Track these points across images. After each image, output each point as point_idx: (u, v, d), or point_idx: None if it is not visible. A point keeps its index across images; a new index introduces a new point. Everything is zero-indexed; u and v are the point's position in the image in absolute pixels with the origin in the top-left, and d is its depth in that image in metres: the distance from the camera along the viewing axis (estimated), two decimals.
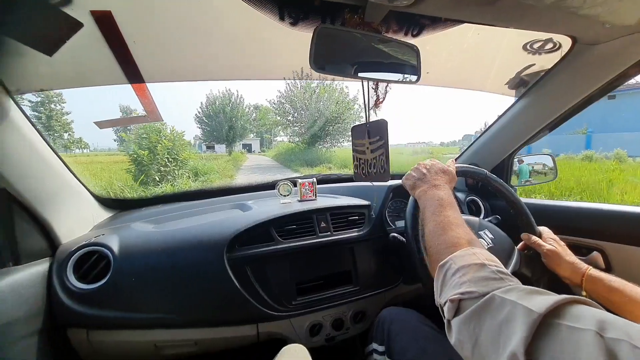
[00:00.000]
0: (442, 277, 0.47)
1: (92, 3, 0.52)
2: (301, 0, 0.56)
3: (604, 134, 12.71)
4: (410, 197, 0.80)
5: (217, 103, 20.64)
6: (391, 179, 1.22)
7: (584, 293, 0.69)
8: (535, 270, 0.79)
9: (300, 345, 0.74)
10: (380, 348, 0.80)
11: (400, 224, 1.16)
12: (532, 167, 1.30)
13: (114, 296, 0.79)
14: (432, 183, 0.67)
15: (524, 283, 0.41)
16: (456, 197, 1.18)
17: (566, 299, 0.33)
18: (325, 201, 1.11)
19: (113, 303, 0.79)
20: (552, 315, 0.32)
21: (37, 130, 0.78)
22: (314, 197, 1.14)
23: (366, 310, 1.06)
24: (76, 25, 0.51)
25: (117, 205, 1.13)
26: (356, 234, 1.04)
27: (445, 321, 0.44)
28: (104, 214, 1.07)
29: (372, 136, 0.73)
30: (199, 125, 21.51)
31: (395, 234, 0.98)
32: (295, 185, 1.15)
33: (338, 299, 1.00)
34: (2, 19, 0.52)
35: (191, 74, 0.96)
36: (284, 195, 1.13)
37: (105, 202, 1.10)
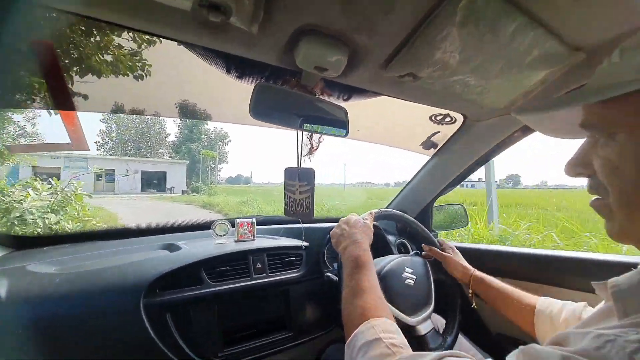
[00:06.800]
0: (350, 357, 0.52)
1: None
2: (246, 59, 0.65)
3: None
4: None
5: None
6: (329, 222, 1.29)
7: (470, 290, 0.88)
8: (445, 274, 0.99)
9: None
10: None
11: None
12: (447, 215, 1.52)
13: None
14: (351, 239, 0.75)
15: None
16: (388, 240, 1.30)
17: (444, 354, 0.41)
18: (263, 242, 1.10)
19: None
20: None
21: None
22: (251, 238, 1.13)
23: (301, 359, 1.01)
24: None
25: (12, 242, 0.95)
26: (292, 275, 1.04)
27: None
28: None
29: (301, 180, 0.81)
30: None
31: (330, 274, 1.02)
32: (233, 226, 1.13)
33: (271, 347, 0.94)
34: None
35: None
36: (220, 235, 1.10)
37: None
